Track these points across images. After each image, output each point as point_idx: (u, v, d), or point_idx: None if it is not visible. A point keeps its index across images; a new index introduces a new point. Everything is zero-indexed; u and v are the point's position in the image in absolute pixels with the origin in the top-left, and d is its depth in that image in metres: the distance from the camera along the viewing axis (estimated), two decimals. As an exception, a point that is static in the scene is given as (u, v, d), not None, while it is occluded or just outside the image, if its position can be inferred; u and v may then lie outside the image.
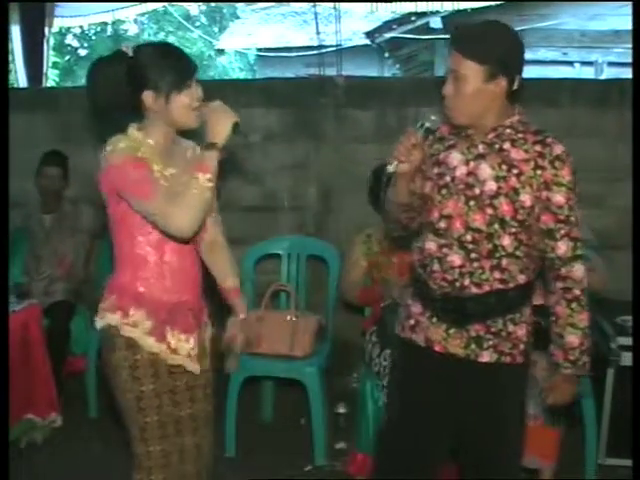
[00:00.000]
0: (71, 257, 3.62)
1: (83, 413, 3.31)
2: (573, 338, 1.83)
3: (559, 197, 1.77)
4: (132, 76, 1.78)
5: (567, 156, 1.79)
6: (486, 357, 1.86)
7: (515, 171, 1.78)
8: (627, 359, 2.78)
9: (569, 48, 8.45)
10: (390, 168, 1.80)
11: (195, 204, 1.73)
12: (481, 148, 1.82)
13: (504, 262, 1.81)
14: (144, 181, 1.74)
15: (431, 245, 1.88)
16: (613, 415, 2.82)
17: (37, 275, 3.56)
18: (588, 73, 8.24)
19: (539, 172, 1.77)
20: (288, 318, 2.99)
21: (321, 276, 3.33)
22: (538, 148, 1.78)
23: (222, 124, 1.76)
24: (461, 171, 1.84)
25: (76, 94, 4.23)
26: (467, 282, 1.83)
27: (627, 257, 2.91)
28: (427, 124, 1.83)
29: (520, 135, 1.81)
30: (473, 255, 1.82)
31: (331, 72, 4.23)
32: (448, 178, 1.85)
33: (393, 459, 2.01)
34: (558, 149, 1.78)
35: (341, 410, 3.24)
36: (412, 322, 1.96)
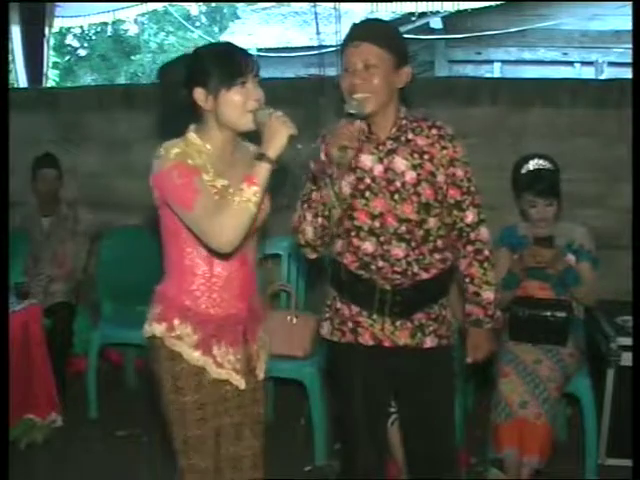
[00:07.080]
0: (70, 259, 3.62)
1: (83, 413, 3.31)
2: (489, 294, 1.95)
3: (460, 171, 1.90)
4: (187, 74, 1.73)
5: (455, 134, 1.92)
6: (429, 342, 1.96)
7: (427, 156, 1.88)
8: (627, 359, 2.78)
9: (569, 48, 8.44)
10: (341, 158, 1.76)
11: (236, 217, 1.62)
12: (389, 144, 1.89)
13: (439, 243, 1.92)
14: (188, 189, 1.65)
15: (367, 245, 1.91)
16: (613, 415, 2.82)
17: (37, 275, 3.56)
18: (588, 73, 8.23)
19: (445, 152, 1.89)
20: (288, 318, 2.99)
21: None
22: (435, 132, 1.90)
23: (279, 136, 1.64)
24: (378, 170, 1.89)
25: (76, 94, 4.25)
26: (416, 269, 1.91)
27: (627, 257, 2.91)
28: (352, 110, 1.80)
29: (415, 124, 1.91)
30: (413, 243, 1.89)
31: (331, 72, 4.23)
32: (368, 180, 1.89)
33: (360, 463, 2.04)
34: (449, 129, 1.92)
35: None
36: (350, 325, 1.99)
